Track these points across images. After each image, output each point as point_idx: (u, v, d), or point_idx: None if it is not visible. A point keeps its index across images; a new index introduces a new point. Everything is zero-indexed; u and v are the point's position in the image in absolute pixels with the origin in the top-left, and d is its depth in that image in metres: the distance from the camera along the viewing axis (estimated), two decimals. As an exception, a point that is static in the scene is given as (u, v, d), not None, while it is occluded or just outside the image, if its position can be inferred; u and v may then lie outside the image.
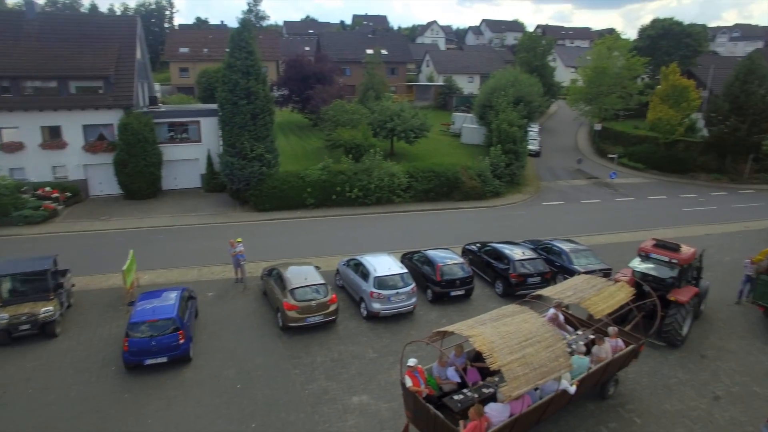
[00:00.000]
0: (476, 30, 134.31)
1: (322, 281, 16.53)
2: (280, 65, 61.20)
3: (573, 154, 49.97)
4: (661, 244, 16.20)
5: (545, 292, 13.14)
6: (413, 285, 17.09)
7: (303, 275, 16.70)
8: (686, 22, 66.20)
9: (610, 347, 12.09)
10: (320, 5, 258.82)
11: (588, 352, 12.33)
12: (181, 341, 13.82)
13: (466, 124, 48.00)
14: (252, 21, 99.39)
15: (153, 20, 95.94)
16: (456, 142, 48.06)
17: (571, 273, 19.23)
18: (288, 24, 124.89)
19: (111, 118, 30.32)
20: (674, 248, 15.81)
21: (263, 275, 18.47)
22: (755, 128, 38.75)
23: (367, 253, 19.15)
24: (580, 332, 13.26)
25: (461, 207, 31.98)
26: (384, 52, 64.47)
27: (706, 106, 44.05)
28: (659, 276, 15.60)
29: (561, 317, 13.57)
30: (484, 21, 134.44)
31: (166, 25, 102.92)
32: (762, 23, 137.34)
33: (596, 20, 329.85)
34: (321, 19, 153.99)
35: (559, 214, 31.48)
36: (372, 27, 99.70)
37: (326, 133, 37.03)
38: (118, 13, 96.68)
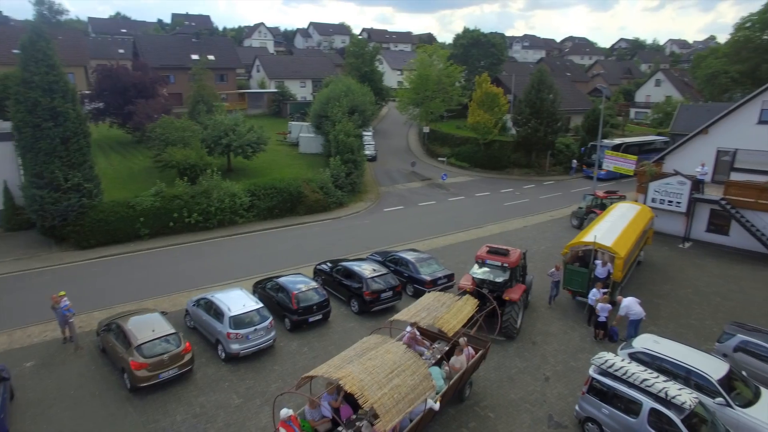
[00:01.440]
0: (305, 32, 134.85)
1: (172, 330, 15.13)
2: (89, 71, 53.65)
3: (406, 156, 53.42)
4: (493, 250, 18.31)
5: (401, 316, 13.88)
6: (271, 319, 16.63)
7: (149, 326, 15.08)
8: (489, 29, 75.54)
9: (465, 357, 13.31)
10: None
11: (440, 363, 13.46)
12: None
13: (303, 133, 48.03)
14: (47, 16, 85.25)
15: None
16: (294, 151, 47.79)
17: (420, 282, 20.68)
18: (94, 21, 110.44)
19: None
20: (504, 253, 18.02)
21: (100, 330, 16.19)
22: (549, 129, 45.91)
23: (217, 286, 18.07)
24: (436, 345, 14.34)
25: (307, 221, 31.99)
26: (211, 57, 61.07)
27: (512, 109, 50.75)
28: (495, 280, 17.63)
29: (418, 334, 14.52)
30: (311, 24, 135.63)
31: None
32: (541, 34, 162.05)
33: (415, 23, 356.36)
34: (134, 17, 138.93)
35: (401, 219, 33.39)
36: (194, 27, 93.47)
37: (155, 152, 33.75)
38: None
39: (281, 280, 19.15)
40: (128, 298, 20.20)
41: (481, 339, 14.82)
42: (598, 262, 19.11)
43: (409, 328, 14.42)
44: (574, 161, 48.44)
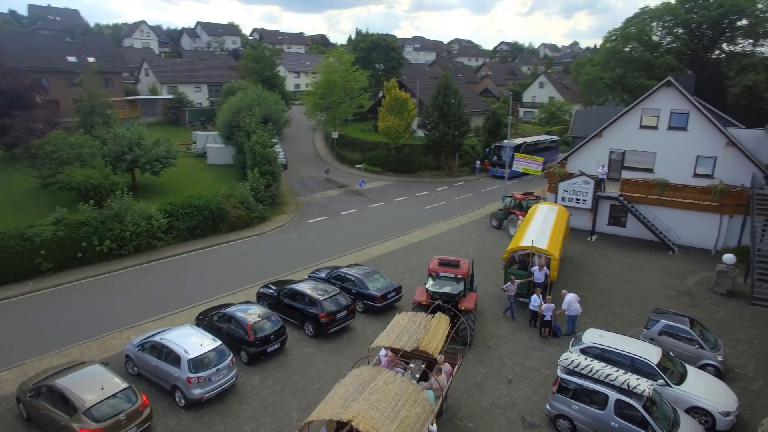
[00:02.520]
0: (192, 33, 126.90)
1: (124, 383, 13.55)
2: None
3: (317, 162, 52.91)
4: (444, 262, 18.90)
5: (381, 342, 13.79)
6: (231, 356, 15.62)
7: (94, 383, 13.35)
8: (375, 30, 77.05)
9: (444, 374, 13.63)
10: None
11: (419, 381, 13.68)
12: None
13: (211, 143, 45.41)
14: None
15: None
16: (201, 163, 45.00)
17: (371, 298, 20.69)
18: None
19: None
20: (455, 264, 18.69)
21: (25, 397, 13.90)
22: (457, 132, 48.21)
23: (150, 323, 16.47)
24: (412, 365, 14.49)
25: (232, 239, 30.40)
26: (91, 59, 55.12)
27: (419, 113, 52.43)
28: (451, 292, 18.21)
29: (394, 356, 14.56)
30: (199, 23, 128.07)
31: None
32: (428, 36, 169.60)
33: (303, 23, 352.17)
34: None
35: (327, 230, 32.98)
36: (60, 23, 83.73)
37: (44, 172, 29.80)
38: None
39: (230, 310, 18.02)
40: (43, 348, 17.72)
41: (451, 353, 15.25)
42: (535, 268, 20.54)
43: (384, 351, 14.40)
44: (478, 162, 51.40)
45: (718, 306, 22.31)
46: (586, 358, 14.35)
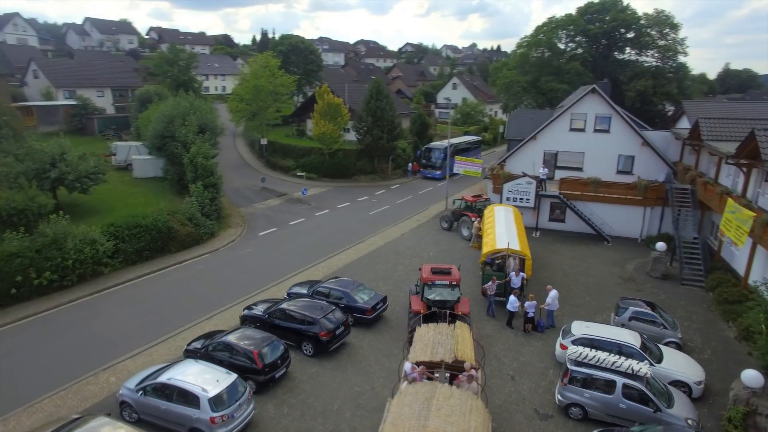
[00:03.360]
0: (80, 30, 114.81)
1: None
2: None
3: (246, 170, 51.20)
4: (437, 271, 19.53)
5: (419, 356, 14.00)
6: (248, 387, 14.95)
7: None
8: (275, 30, 76.06)
9: (475, 381, 14.23)
10: None
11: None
12: None
13: (136, 155, 41.98)
14: None
15: None
16: (126, 177, 41.56)
17: (361, 311, 20.72)
18: None
19: None
20: (447, 272, 19.42)
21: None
22: (389, 136, 49.12)
23: (126, 360, 15.30)
24: (437, 375, 14.91)
25: (185, 259, 28.54)
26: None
27: (352, 118, 52.56)
28: (450, 299, 18.88)
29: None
30: (88, 20, 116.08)
31: None
32: (330, 36, 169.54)
33: (198, 22, 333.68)
34: None
35: (281, 242, 32.09)
36: None
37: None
38: None
39: (227, 338, 17.13)
40: (3, 408, 15.56)
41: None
42: (513, 273, 21.89)
43: (409, 366, 14.66)
44: (410, 164, 52.84)
45: (657, 289, 25.37)
46: (591, 350, 15.78)
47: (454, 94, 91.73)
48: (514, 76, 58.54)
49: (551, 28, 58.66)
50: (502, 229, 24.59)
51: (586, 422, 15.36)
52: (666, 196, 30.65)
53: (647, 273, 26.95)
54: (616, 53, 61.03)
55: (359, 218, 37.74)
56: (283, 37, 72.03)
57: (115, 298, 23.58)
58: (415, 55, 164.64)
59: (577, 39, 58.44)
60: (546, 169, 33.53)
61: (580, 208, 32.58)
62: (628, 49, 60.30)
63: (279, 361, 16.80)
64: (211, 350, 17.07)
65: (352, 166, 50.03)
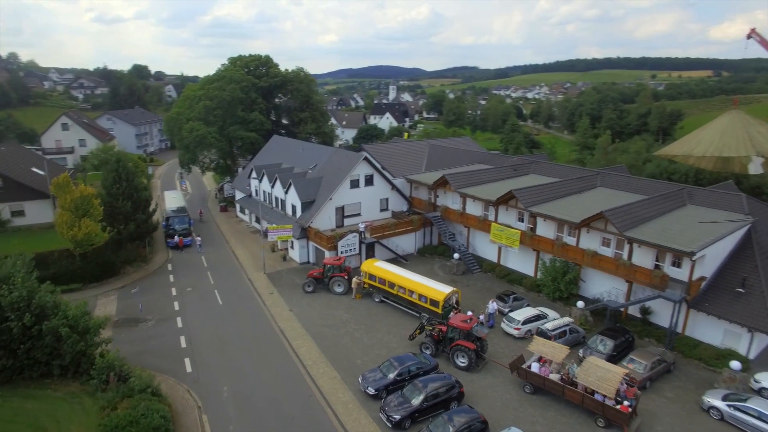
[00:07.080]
0: None
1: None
2: None
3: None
4: (464, 319, 30.05)
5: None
6: None
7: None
8: None
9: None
10: None
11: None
12: None
13: None
14: None
15: None
16: None
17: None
18: None
19: None
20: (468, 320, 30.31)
21: None
22: (144, 215, 45.38)
23: None
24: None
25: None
26: None
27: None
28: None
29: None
30: None
31: None
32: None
33: None
34: None
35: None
36: None
37: None
38: None
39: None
40: None
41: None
42: (490, 302, 34.74)
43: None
44: (176, 237, 50.23)
45: (468, 281, 43.12)
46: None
47: (67, 135, 78.49)
48: (201, 127, 59.93)
49: (224, 80, 63.27)
50: (417, 278, 36.10)
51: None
52: (430, 223, 48.67)
53: (454, 273, 44.17)
54: (277, 100, 73.19)
55: (225, 309, 37.52)
56: None
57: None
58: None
59: (249, 93, 65.68)
60: (364, 224, 44.90)
61: (385, 243, 46.19)
62: (282, 97, 73.72)
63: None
64: None
65: (116, 260, 43.14)
